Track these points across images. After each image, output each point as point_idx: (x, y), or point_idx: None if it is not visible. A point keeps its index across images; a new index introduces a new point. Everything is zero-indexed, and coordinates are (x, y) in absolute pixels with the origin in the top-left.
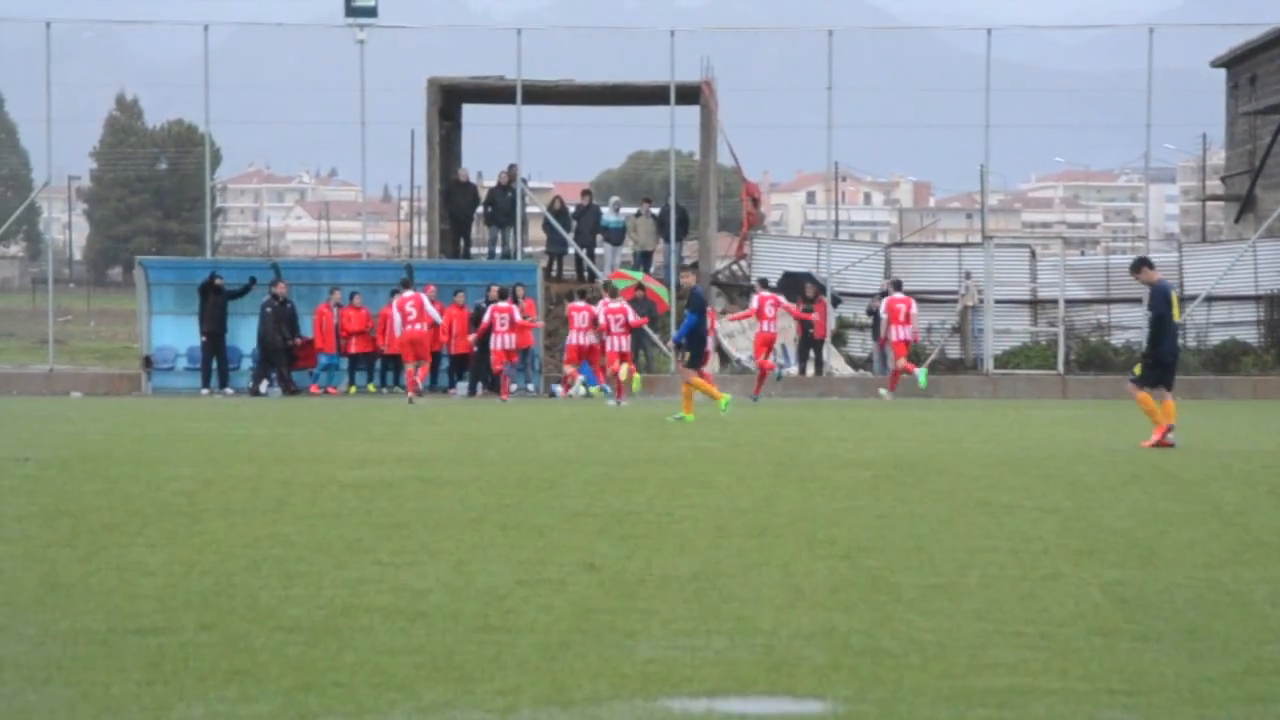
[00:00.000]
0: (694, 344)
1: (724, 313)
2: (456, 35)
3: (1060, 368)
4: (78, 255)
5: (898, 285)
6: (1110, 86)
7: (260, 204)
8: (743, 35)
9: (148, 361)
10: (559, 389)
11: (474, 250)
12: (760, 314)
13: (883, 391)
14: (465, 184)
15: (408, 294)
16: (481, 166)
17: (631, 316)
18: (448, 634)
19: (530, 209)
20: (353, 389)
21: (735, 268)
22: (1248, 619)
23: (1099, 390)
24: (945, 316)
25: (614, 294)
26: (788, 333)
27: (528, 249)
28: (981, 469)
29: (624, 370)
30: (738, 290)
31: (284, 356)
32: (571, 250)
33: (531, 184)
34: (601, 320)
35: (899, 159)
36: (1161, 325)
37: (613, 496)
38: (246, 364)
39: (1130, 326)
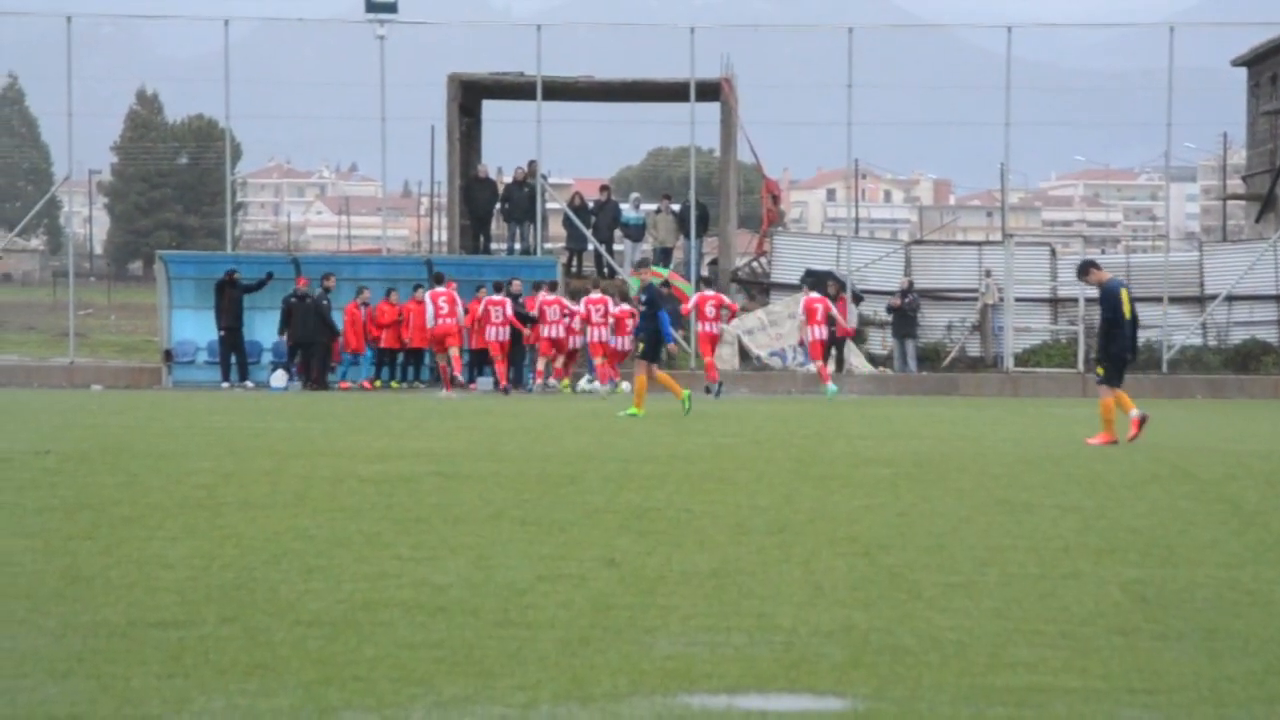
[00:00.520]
0: (649, 339)
1: (744, 309)
2: (477, 31)
3: (1080, 366)
4: (98, 249)
5: (813, 285)
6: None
7: (280, 199)
8: (763, 32)
9: (168, 355)
10: (532, 378)
11: (494, 246)
12: (700, 314)
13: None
14: (485, 180)
15: (440, 289)
16: (501, 162)
17: (613, 308)
18: (468, 629)
19: (550, 205)
20: (377, 383)
21: (755, 265)
22: (1268, 618)
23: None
24: (965, 314)
25: (595, 285)
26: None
27: (548, 245)
28: (1001, 467)
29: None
30: (758, 288)
31: (311, 352)
32: (591, 246)
33: (551, 180)
34: (583, 310)
35: (919, 157)
36: (1112, 325)
37: (632, 492)
38: (266, 358)
39: (1150, 325)
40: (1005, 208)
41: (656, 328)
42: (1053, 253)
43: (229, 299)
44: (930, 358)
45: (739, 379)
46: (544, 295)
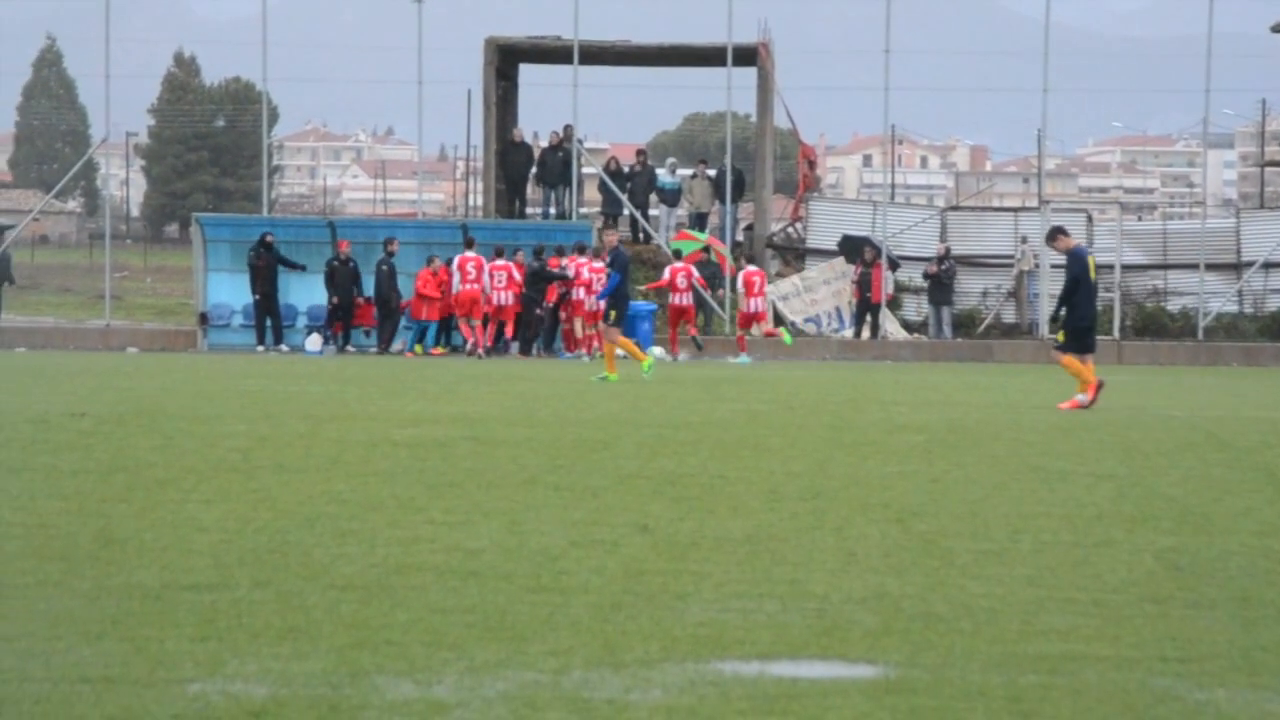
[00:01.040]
0: (617, 303)
1: (779, 275)
2: None
3: (1116, 333)
4: (135, 211)
5: (750, 259)
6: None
7: (317, 162)
8: None
9: (203, 318)
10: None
11: (530, 210)
12: (673, 286)
13: (745, 358)
14: (521, 144)
15: (470, 254)
16: (537, 127)
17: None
18: (500, 594)
19: (586, 170)
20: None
21: (791, 230)
22: None
23: (1155, 356)
24: (1001, 281)
25: (596, 255)
26: (842, 296)
27: (583, 210)
28: (1035, 434)
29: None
30: (793, 253)
31: (348, 315)
32: (626, 211)
33: (587, 145)
34: (585, 277)
35: (956, 122)
36: (1076, 289)
37: (666, 459)
38: (301, 321)
39: (1186, 293)
40: (1042, 174)
41: (624, 293)
42: (1089, 219)
43: (265, 262)
44: (965, 324)
45: (773, 345)
46: (577, 259)
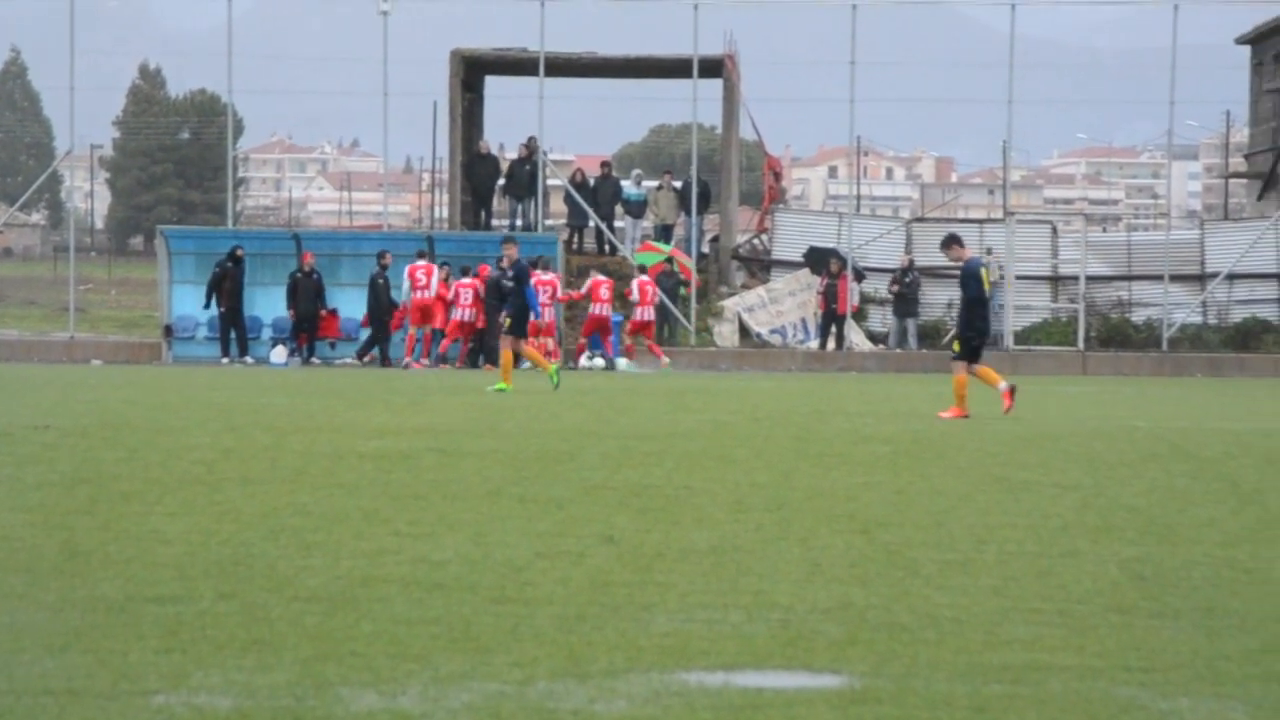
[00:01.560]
0: (516, 314)
1: (744, 286)
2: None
3: (1080, 344)
4: (99, 224)
5: (641, 269)
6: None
7: (282, 174)
8: (766, 8)
9: (168, 330)
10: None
11: (495, 222)
12: (593, 296)
13: (666, 361)
14: (487, 156)
15: (420, 263)
16: (504, 139)
17: (560, 291)
18: (465, 605)
19: (551, 181)
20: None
21: (756, 242)
22: (1265, 597)
23: (1119, 367)
24: None
25: (545, 267)
26: (808, 307)
27: (549, 222)
28: (1000, 445)
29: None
30: (759, 265)
31: (312, 327)
32: (592, 223)
33: (553, 156)
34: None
35: (921, 134)
36: (973, 304)
37: (631, 469)
38: (266, 334)
39: (1151, 304)
40: (1007, 185)
41: (524, 303)
42: (1054, 231)
43: (232, 276)
44: (931, 335)
45: (739, 356)
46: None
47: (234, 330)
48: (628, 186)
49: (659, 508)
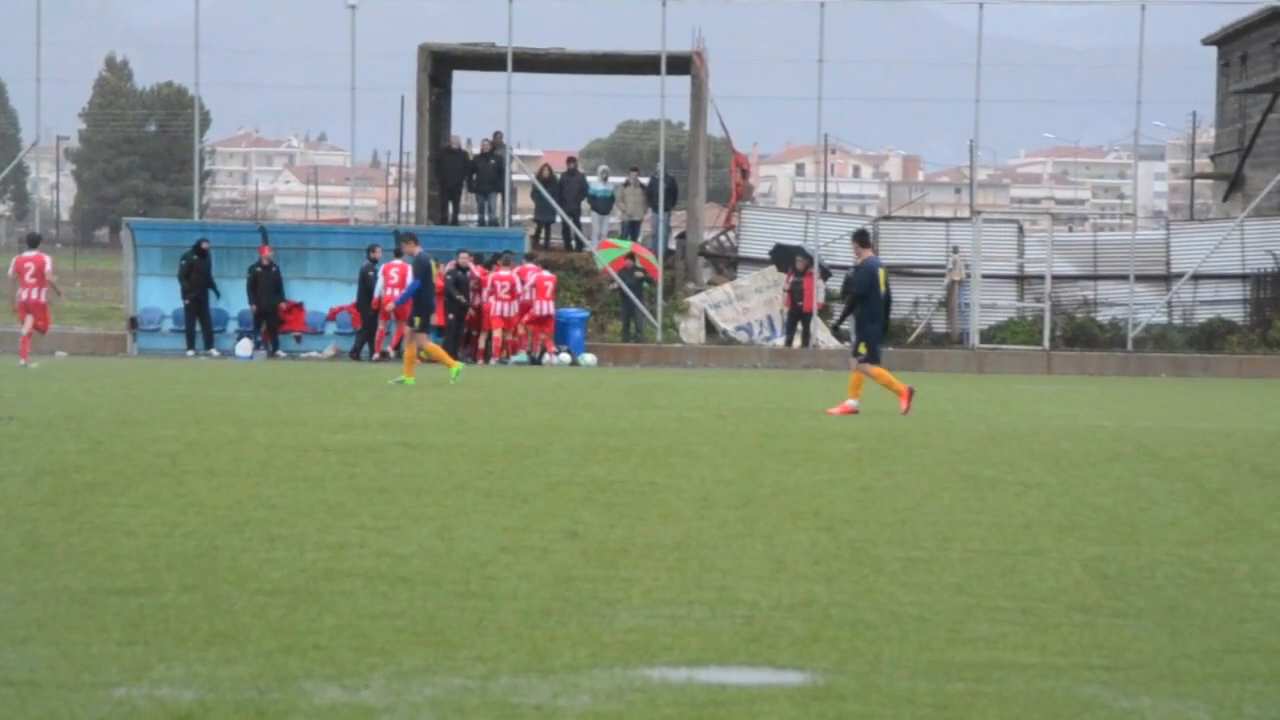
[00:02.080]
0: (421, 309)
1: (710, 283)
2: (448, 1)
3: (1046, 343)
4: (65, 216)
5: (529, 258)
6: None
7: (249, 167)
8: (734, 6)
9: (133, 323)
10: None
11: (463, 217)
12: (539, 293)
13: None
14: (455, 151)
15: (397, 261)
16: (471, 133)
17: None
18: (429, 599)
19: (519, 177)
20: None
21: (723, 239)
22: (1228, 597)
23: (1084, 366)
24: (932, 291)
25: (507, 263)
26: (774, 304)
27: (516, 217)
28: (965, 443)
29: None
30: (725, 262)
31: (274, 321)
32: (559, 218)
33: (520, 152)
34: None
35: (888, 132)
36: (865, 304)
37: (596, 465)
38: (232, 326)
39: (1116, 303)
40: (974, 184)
41: (428, 298)
42: (1020, 230)
43: (197, 269)
44: (896, 333)
45: (705, 353)
46: (498, 269)
47: (199, 323)
48: (594, 183)
49: (624, 503)
